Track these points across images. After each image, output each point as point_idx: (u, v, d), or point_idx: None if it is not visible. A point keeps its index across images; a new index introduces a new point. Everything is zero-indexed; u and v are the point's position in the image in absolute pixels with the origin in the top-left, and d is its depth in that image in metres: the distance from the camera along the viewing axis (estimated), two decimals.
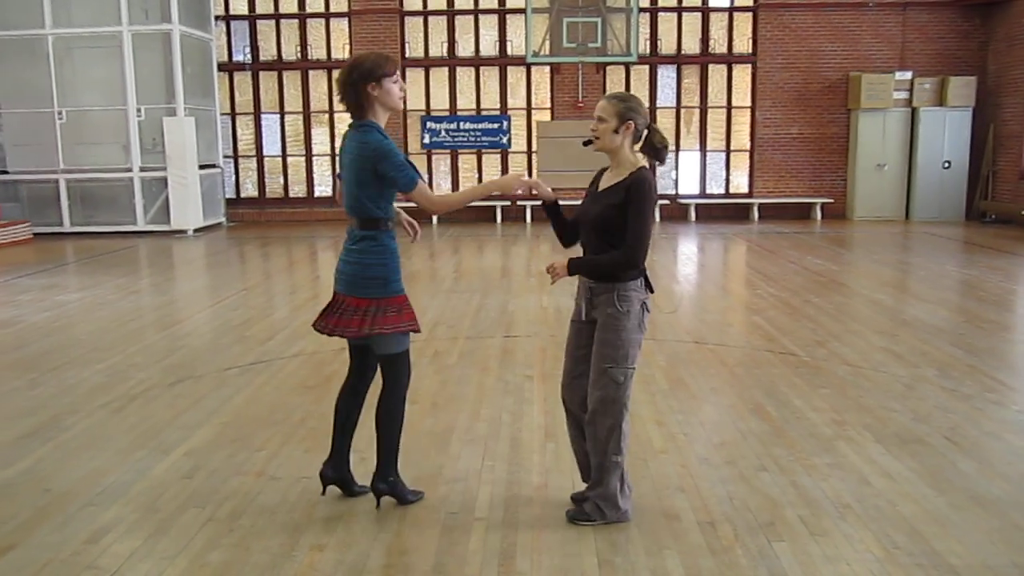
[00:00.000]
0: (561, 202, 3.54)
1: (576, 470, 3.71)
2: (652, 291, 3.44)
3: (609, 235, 3.33)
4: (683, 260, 11.58)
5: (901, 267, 10.53)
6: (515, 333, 6.89)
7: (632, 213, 3.28)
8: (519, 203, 15.85)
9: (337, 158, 3.55)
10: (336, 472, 3.67)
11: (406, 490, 3.64)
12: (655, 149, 3.41)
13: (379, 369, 3.59)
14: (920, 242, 12.74)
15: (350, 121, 3.46)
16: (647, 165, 3.38)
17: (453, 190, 16.39)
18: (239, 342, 6.72)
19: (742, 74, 16.07)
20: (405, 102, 3.56)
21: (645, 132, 3.39)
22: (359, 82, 3.36)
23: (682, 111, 16.25)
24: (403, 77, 15.76)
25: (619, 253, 3.31)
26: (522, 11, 15.28)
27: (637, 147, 3.40)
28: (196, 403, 5.12)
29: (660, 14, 15.93)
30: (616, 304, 3.33)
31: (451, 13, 16.11)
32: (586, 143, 3.43)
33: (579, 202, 3.56)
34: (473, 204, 15.61)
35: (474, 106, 16.32)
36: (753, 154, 16.14)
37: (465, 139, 16.15)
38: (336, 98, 3.46)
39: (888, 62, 15.56)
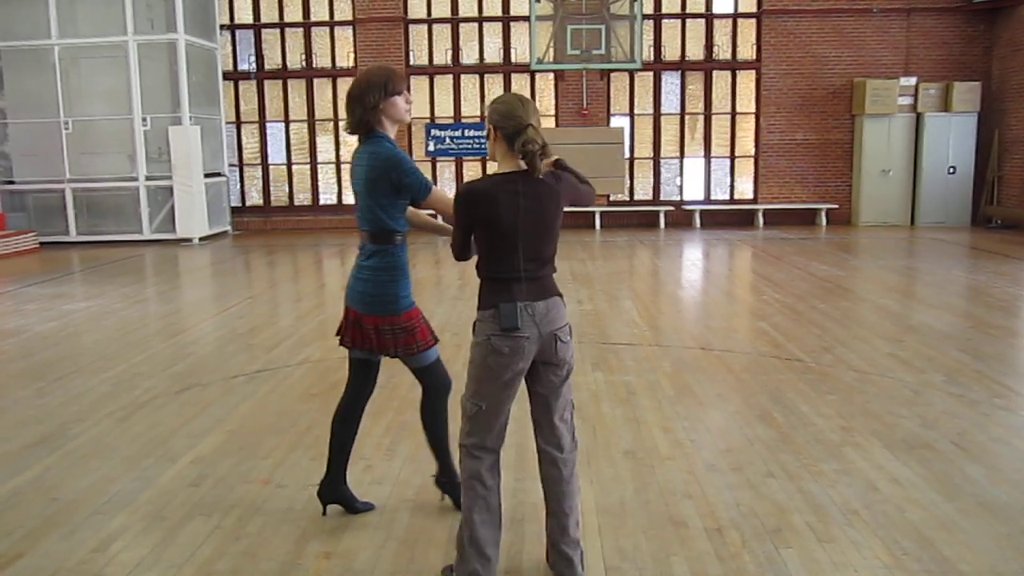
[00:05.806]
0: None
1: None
2: (504, 330, 2.88)
3: None
4: (688, 266, 11.57)
5: (907, 273, 10.51)
6: None
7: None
8: None
9: (348, 174, 3.50)
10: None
11: (354, 501, 3.68)
12: (524, 155, 2.89)
13: (418, 378, 3.68)
14: (926, 247, 12.72)
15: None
16: (527, 169, 2.90)
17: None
18: (245, 350, 6.73)
19: (746, 80, 16.07)
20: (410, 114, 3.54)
21: (519, 136, 2.89)
22: (367, 95, 3.32)
23: (686, 117, 16.24)
24: (408, 85, 15.95)
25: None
26: (526, 18, 15.32)
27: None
28: (202, 411, 5.13)
29: (664, 21, 15.95)
30: (473, 331, 3.04)
31: (455, 21, 16.14)
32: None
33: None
34: None
35: (478, 113, 16.33)
36: (758, 160, 16.13)
37: (469, 146, 16.16)
38: (345, 112, 3.43)
39: (893, 67, 15.55)
